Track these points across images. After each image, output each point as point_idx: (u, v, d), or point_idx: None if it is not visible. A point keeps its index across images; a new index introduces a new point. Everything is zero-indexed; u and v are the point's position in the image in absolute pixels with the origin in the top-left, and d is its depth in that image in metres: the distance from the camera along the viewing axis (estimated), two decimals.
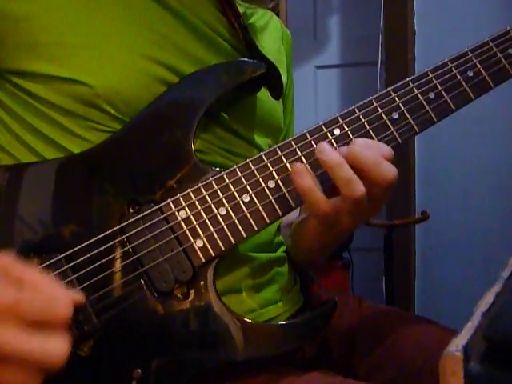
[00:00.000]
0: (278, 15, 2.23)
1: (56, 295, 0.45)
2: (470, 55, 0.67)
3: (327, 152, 0.58)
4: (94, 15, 0.63)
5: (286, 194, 0.60)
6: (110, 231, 0.57)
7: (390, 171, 0.58)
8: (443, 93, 0.65)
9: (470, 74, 0.66)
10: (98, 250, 0.56)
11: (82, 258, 0.55)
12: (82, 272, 0.55)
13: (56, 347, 0.43)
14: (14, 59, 0.61)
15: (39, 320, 0.43)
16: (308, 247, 0.68)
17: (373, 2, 2.02)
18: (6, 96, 0.63)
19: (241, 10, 0.74)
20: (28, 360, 0.42)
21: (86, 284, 0.55)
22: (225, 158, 0.68)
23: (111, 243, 0.56)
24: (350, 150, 0.58)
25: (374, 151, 0.58)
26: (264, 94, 0.71)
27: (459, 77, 0.66)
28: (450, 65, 0.66)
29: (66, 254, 0.55)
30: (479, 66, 0.67)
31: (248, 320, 0.59)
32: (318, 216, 0.59)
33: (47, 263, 0.55)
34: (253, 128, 0.73)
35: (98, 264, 0.56)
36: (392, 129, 0.63)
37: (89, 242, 0.56)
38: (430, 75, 0.66)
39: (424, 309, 1.90)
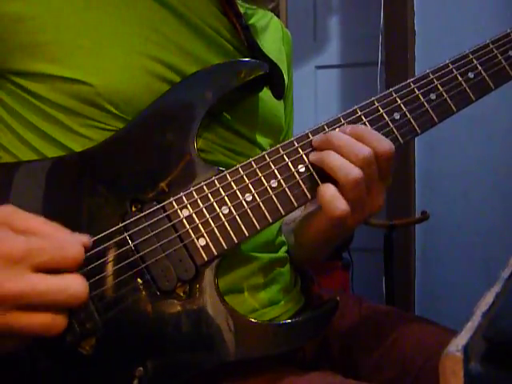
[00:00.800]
0: (278, 15, 2.24)
1: (64, 238, 0.47)
2: (471, 57, 0.67)
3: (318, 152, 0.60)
4: (95, 14, 0.63)
5: (289, 192, 0.60)
6: (112, 229, 0.57)
7: (389, 144, 0.60)
8: (444, 94, 0.66)
9: (471, 75, 0.67)
10: (101, 248, 0.56)
11: (86, 282, 0.55)
12: (84, 270, 0.55)
13: (74, 283, 0.46)
14: (15, 59, 0.61)
15: (52, 263, 0.45)
16: (312, 243, 0.68)
17: (373, 2, 2.02)
18: (7, 95, 0.63)
19: (241, 10, 0.74)
20: (49, 300, 0.44)
21: (88, 282, 0.55)
22: (227, 157, 0.68)
23: (113, 241, 0.56)
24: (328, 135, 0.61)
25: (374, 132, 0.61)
26: (266, 94, 0.71)
27: (460, 78, 0.66)
28: (451, 66, 0.67)
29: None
30: (480, 67, 0.67)
31: (251, 319, 0.59)
32: (328, 216, 0.60)
33: None
34: (255, 128, 0.73)
35: (100, 262, 0.56)
36: (393, 129, 0.64)
37: (92, 239, 0.56)
38: (431, 76, 0.66)
39: (424, 309, 1.90)
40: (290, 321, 0.61)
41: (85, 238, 0.49)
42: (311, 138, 0.62)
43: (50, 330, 0.46)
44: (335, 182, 0.59)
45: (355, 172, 0.58)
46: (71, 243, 0.47)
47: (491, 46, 0.68)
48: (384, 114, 0.64)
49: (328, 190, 0.59)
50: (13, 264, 0.43)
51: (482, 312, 0.37)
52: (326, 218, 0.61)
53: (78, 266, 0.47)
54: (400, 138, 0.64)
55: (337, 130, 0.62)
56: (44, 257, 0.45)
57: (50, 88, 0.61)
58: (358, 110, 0.64)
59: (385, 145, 0.60)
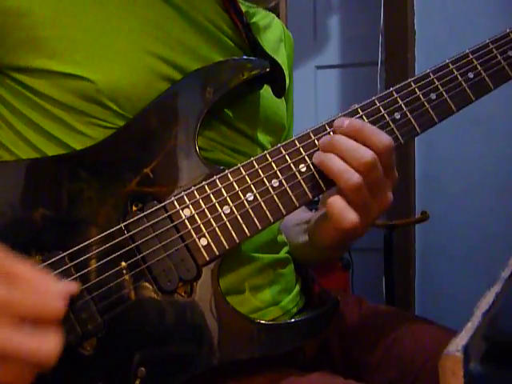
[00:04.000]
0: (278, 15, 2.24)
1: (48, 289, 0.45)
2: (471, 57, 0.68)
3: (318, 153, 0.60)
4: (96, 11, 0.62)
5: (290, 192, 0.61)
6: (113, 229, 0.57)
7: (386, 138, 0.59)
8: (444, 94, 0.66)
9: (471, 75, 0.67)
10: (102, 248, 0.56)
11: (85, 256, 0.55)
12: (85, 270, 0.55)
13: (49, 344, 0.43)
14: (15, 55, 0.61)
15: (32, 317, 0.43)
16: (327, 242, 0.68)
17: (373, 1, 2.02)
18: (7, 92, 0.63)
19: (243, 8, 0.74)
20: (21, 357, 0.42)
21: (89, 283, 0.55)
22: (228, 156, 0.68)
23: (115, 241, 0.56)
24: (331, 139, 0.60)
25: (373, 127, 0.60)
26: (267, 92, 0.71)
27: (460, 78, 0.67)
28: (451, 66, 0.67)
29: (69, 251, 0.55)
30: (480, 67, 0.67)
31: (252, 319, 0.59)
32: (336, 227, 0.60)
33: (49, 261, 0.55)
34: (256, 126, 0.73)
35: (101, 262, 0.56)
36: (394, 129, 0.64)
37: (92, 240, 0.56)
38: (432, 76, 0.66)
39: (424, 309, 1.90)
40: (290, 321, 0.61)
41: (72, 286, 0.48)
42: (313, 137, 0.62)
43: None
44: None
45: (355, 177, 0.58)
46: (54, 297, 0.45)
47: (491, 46, 0.68)
48: (385, 114, 0.64)
49: (336, 203, 0.59)
50: None
51: (481, 312, 0.37)
52: (335, 228, 0.61)
53: (58, 321, 0.45)
54: (400, 138, 0.64)
55: (335, 122, 0.62)
56: (23, 309, 0.43)
57: (50, 84, 0.61)
58: (360, 110, 0.64)
59: (384, 141, 0.59)
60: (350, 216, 0.58)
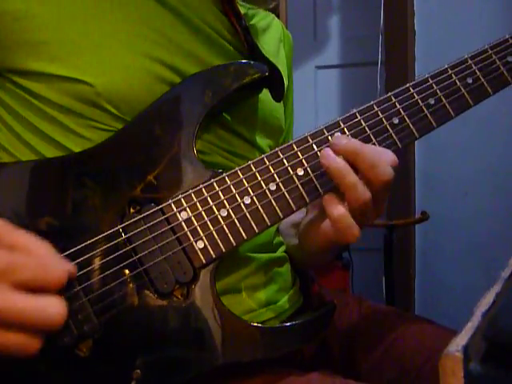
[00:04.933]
0: (278, 15, 2.24)
1: (50, 259, 0.45)
2: (470, 62, 0.68)
3: (331, 158, 0.59)
4: (95, 14, 0.62)
5: (287, 196, 0.61)
6: (110, 231, 0.57)
7: (386, 173, 0.59)
8: (443, 99, 0.66)
9: (470, 80, 0.67)
10: (99, 250, 0.56)
11: (82, 258, 0.55)
12: (81, 272, 0.55)
13: (52, 306, 0.44)
14: (14, 58, 0.61)
15: (33, 283, 0.43)
16: (317, 247, 0.68)
17: (373, 1, 2.02)
18: (6, 94, 0.63)
19: (242, 10, 0.74)
20: (25, 320, 0.43)
21: (85, 284, 0.55)
22: (226, 159, 0.68)
23: (112, 243, 0.56)
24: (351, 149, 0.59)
25: (372, 153, 0.59)
26: (265, 95, 0.71)
27: (459, 83, 0.67)
28: (450, 71, 0.67)
29: (66, 253, 0.55)
30: (478, 73, 0.68)
31: (247, 322, 0.59)
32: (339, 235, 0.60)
33: None
34: (254, 129, 0.73)
35: (98, 264, 0.56)
36: (392, 134, 0.64)
37: (89, 241, 0.56)
38: (431, 81, 0.66)
39: (424, 309, 1.90)
40: (286, 324, 0.61)
41: (71, 266, 0.48)
42: (310, 141, 0.62)
43: (24, 351, 0.44)
44: (335, 188, 0.60)
45: (368, 194, 0.58)
46: (56, 265, 0.45)
47: (490, 52, 0.69)
48: (383, 119, 0.64)
49: (346, 219, 0.59)
50: None
51: (481, 312, 0.37)
52: (336, 237, 0.62)
53: (60, 289, 0.45)
54: (398, 143, 0.64)
55: (335, 137, 0.62)
56: (25, 274, 0.43)
57: (48, 87, 0.61)
58: (358, 114, 0.64)
59: (384, 175, 0.59)
60: (354, 231, 0.59)
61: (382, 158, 0.59)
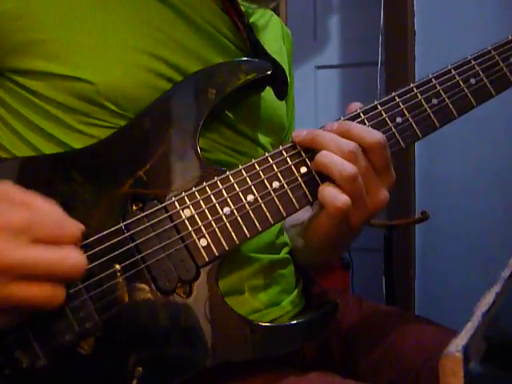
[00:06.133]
0: (277, 15, 2.24)
1: (63, 217, 0.49)
2: (473, 63, 0.68)
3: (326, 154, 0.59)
4: (94, 12, 0.62)
5: (291, 194, 0.61)
6: (113, 228, 0.57)
7: (376, 135, 0.60)
8: (446, 99, 0.66)
9: (473, 81, 0.67)
10: (101, 247, 0.56)
11: (84, 255, 0.55)
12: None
13: (73, 255, 0.47)
14: (13, 57, 0.61)
15: (52, 237, 0.46)
16: (319, 245, 0.68)
17: (373, 1, 2.02)
18: (6, 93, 0.63)
19: (242, 9, 0.74)
20: (51, 269, 0.46)
21: (88, 281, 0.55)
22: (228, 156, 0.68)
23: (114, 240, 0.56)
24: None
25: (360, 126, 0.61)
26: (268, 93, 0.71)
27: (462, 84, 0.67)
28: (454, 72, 0.67)
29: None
30: (481, 73, 0.68)
31: (250, 321, 0.59)
32: (329, 211, 0.60)
33: None
34: (257, 127, 0.73)
35: (100, 261, 0.56)
36: (396, 133, 0.64)
37: (92, 238, 0.56)
38: (434, 81, 0.67)
39: (424, 309, 1.90)
40: (288, 323, 0.61)
41: (81, 224, 0.51)
42: None
43: (50, 301, 0.47)
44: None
45: (349, 168, 0.58)
46: (69, 222, 0.49)
47: (493, 53, 0.69)
48: (387, 119, 0.64)
49: (326, 187, 0.59)
50: (14, 235, 0.44)
51: (481, 312, 0.37)
52: (328, 215, 0.61)
53: (76, 242, 0.49)
54: (402, 142, 0.64)
55: (326, 125, 0.62)
56: (45, 230, 0.46)
57: (49, 86, 0.61)
58: (362, 114, 0.64)
59: (373, 136, 0.59)
60: (341, 197, 0.58)
61: (370, 128, 0.61)
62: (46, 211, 0.47)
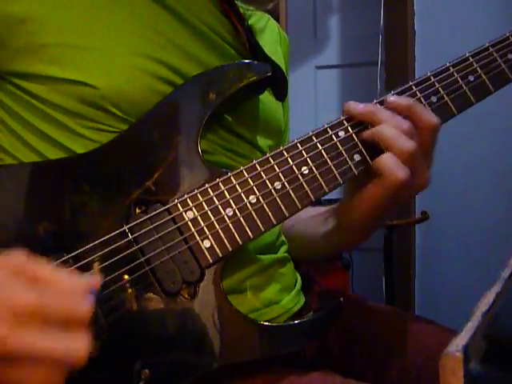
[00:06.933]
0: (277, 15, 2.24)
1: (75, 290, 0.45)
2: (471, 60, 0.68)
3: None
4: (96, 16, 0.63)
5: (292, 195, 0.61)
6: (117, 231, 0.57)
7: (433, 118, 0.63)
8: (445, 96, 0.67)
9: (471, 78, 0.68)
10: (106, 251, 0.56)
11: (89, 259, 0.55)
12: (88, 273, 0.55)
13: (79, 343, 0.44)
14: (16, 61, 0.61)
15: (62, 319, 0.43)
16: (362, 221, 0.67)
17: (373, 1, 2.02)
18: (8, 97, 0.63)
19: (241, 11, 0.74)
20: (54, 359, 0.43)
21: None
22: (229, 159, 0.68)
23: (118, 243, 0.57)
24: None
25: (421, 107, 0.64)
26: (266, 96, 0.71)
27: (461, 81, 0.67)
28: (452, 69, 0.68)
29: (73, 254, 0.55)
30: (480, 70, 0.68)
31: (255, 321, 0.60)
32: (388, 181, 0.61)
33: (54, 263, 0.55)
34: (256, 129, 0.73)
35: (105, 264, 0.56)
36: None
37: (96, 242, 0.56)
38: (433, 79, 0.67)
39: (424, 309, 1.90)
40: (293, 322, 0.61)
41: (93, 280, 0.47)
42: (314, 140, 0.63)
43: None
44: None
45: (410, 144, 0.60)
46: (82, 298, 0.45)
47: (491, 50, 0.69)
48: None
49: (390, 158, 0.60)
50: (20, 318, 0.42)
51: (481, 312, 0.37)
52: (383, 186, 0.62)
53: (87, 322, 0.45)
54: None
55: (385, 98, 0.64)
56: (54, 313, 0.43)
57: (51, 90, 0.61)
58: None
59: (432, 117, 0.62)
60: (404, 169, 0.60)
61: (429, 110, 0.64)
62: (58, 288, 0.44)
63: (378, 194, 0.63)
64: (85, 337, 0.44)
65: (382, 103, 0.65)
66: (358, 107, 0.64)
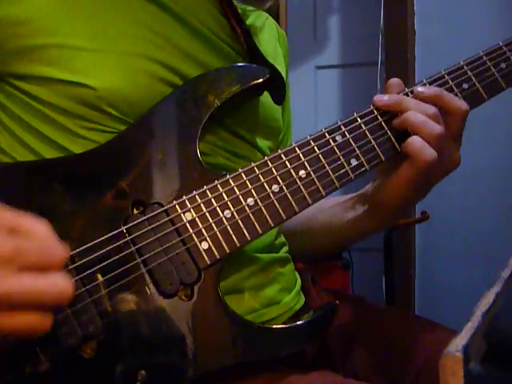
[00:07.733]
0: (277, 15, 2.23)
1: (51, 242, 0.47)
2: (465, 68, 0.70)
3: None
4: (94, 17, 0.63)
5: (290, 198, 0.61)
6: (114, 232, 0.57)
7: (463, 103, 0.66)
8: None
9: (466, 86, 0.70)
10: (103, 251, 0.56)
11: (85, 259, 0.55)
12: (85, 273, 0.55)
13: (60, 281, 0.46)
14: (14, 62, 0.61)
15: (38, 264, 0.45)
16: (396, 201, 0.69)
17: (373, 1, 2.02)
18: (6, 98, 0.63)
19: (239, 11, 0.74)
20: (37, 298, 0.44)
21: (90, 285, 0.55)
22: (227, 160, 0.68)
23: (116, 244, 0.56)
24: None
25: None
26: (265, 97, 0.71)
27: (455, 89, 0.69)
28: (447, 77, 0.70)
29: (69, 254, 0.55)
30: (474, 79, 0.70)
31: (252, 323, 0.60)
32: (417, 162, 0.63)
33: None
34: (255, 131, 0.73)
35: (102, 265, 0.56)
36: (392, 138, 0.66)
37: (93, 242, 0.56)
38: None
39: (424, 309, 1.90)
40: (289, 325, 0.61)
41: (68, 248, 0.49)
42: (312, 144, 0.63)
43: (36, 329, 0.46)
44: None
45: (437, 127, 0.63)
46: (56, 247, 0.47)
47: (484, 58, 0.71)
48: (382, 123, 0.66)
49: (417, 140, 0.63)
50: (0, 264, 0.43)
51: (481, 312, 0.37)
52: (414, 167, 0.64)
53: (63, 266, 0.47)
54: (397, 147, 0.66)
55: (417, 89, 0.67)
56: (31, 258, 0.45)
57: (49, 91, 0.61)
58: (358, 118, 0.66)
59: (461, 102, 0.66)
60: (430, 150, 0.63)
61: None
62: (34, 236, 0.46)
63: (409, 177, 0.65)
64: (64, 276, 0.46)
65: (411, 93, 0.67)
66: (382, 98, 0.66)
